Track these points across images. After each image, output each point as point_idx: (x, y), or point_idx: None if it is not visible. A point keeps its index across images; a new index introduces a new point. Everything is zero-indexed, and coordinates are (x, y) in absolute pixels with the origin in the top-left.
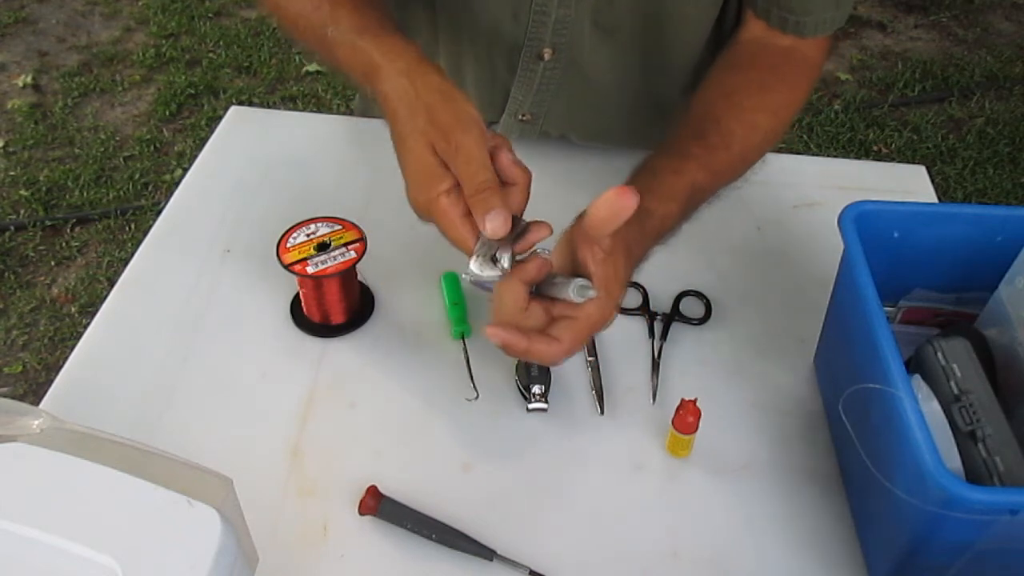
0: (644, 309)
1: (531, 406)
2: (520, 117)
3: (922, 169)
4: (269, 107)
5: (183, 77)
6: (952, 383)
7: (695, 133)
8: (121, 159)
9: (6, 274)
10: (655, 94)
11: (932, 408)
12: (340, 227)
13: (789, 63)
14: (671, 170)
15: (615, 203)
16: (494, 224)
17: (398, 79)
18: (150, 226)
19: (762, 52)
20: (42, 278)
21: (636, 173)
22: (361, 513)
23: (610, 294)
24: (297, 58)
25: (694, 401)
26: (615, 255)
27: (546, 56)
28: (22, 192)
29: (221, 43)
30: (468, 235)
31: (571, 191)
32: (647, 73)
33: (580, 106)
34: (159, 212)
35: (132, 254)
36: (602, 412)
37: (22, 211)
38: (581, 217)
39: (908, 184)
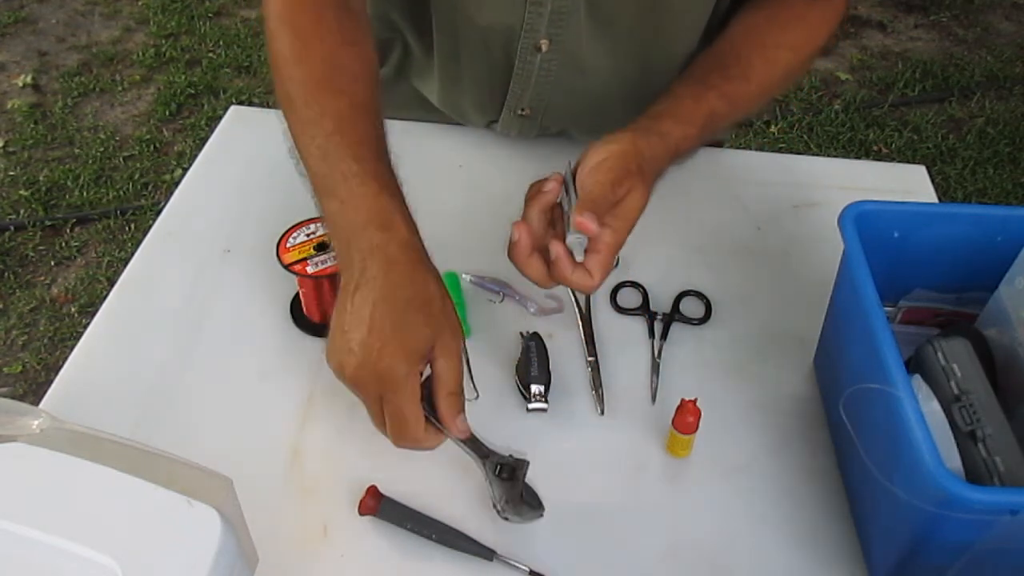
0: (644, 309)
1: (531, 406)
2: (519, 112)
3: (922, 169)
4: (269, 107)
5: (183, 77)
6: (952, 383)
7: (716, 65)
8: (121, 159)
9: (6, 274)
10: (652, 85)
11: (932, 408)
12: None
13: (812, 6)
14: (691, 96)
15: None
16: (463, 427)
17: (413, 256)
18: (150, 226)
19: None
20: (42, 278)
21: (658, 98)
22: (361, 513)
23: (626, 220)
24: None
25: (694, 401)
26: (632, 192)
27: (543, 48)
28: (22, 192)
29: (221, 43)
30: (419, 420)
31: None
32: (644, 64)
33: (578, 99)
34: (159, 212)
35: (132, 254)
36: (602, 412)
37: (22, 211)
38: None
39: (908, 184)
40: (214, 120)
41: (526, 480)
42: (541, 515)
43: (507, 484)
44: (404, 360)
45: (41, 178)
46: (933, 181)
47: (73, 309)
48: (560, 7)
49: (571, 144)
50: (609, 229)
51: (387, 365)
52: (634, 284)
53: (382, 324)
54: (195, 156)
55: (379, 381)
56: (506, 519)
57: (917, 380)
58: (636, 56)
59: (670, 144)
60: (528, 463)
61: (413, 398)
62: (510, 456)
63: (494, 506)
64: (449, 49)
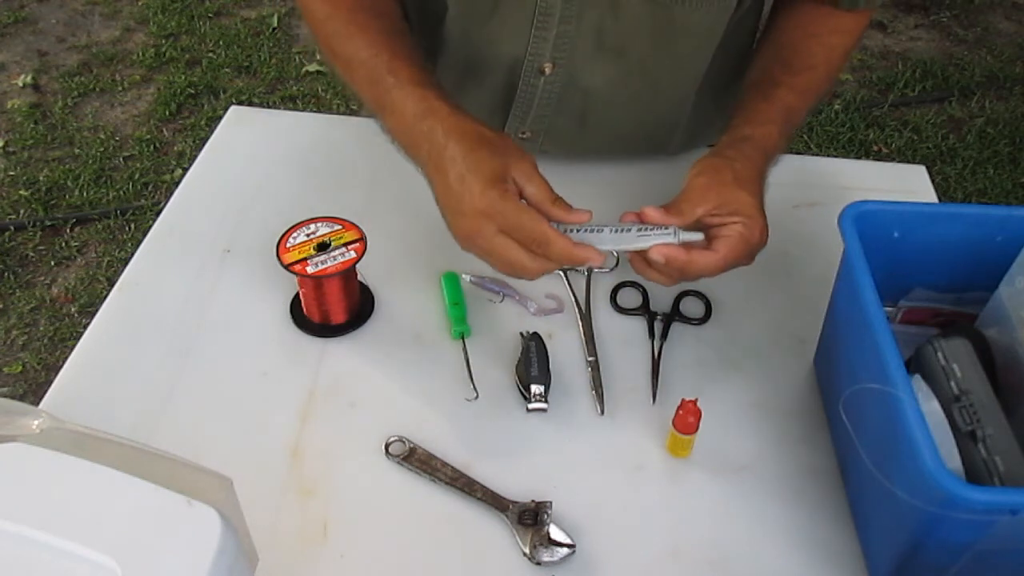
0: (644, 309)
1: (531, 406)
2: (520, 135)
3: (922, 169)
4: (269, 107)
5: (183, 77)
6: (952, 383)
7: (778, 62)
8: (121, 159)
9: (6, 274)
10: (659, 111)
11: (932, 408)
12: (340, 227)
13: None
14: (762, 97)
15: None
16: (581, 214)
17: (461, 121)
18: (150, 226)
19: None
20: (42, 278)
21: (732, 108)
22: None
23: (751, 217)
24: (297, 58)
25: (694, 401)
26: (737, 215)
27: (547, 71)
28: (22, 192)
29: (221, 43)
30: (540, 219)
31: (575, 203)
32: (651, 91)
33: (580, 122)
34: (159, 212)
35: (132, 254)
36: (602, 412)
37: (22, 211)
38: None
39: (908, 184)
40: (214, 120)
41: (551, 519)
42: (574, 551)
43: (533, 528)
44: (492, 188)
45: (41, 178)
46: (933, 181)
47: (73, 309)
48: (564, 32)
49: (572, 163)
50: (739, 225)
51: (479, 202)
52: (634, 284)
53: (459, 183)
54: (195, 156)
55: (488, 218)
56: (539, 563)
57: (917, 380)
58: (642, 83)
59: (757, 147)
60: (551, 503)
61: (520, 209)
62: (532, 501)
63: (524, 554)
64: (454, 81)
